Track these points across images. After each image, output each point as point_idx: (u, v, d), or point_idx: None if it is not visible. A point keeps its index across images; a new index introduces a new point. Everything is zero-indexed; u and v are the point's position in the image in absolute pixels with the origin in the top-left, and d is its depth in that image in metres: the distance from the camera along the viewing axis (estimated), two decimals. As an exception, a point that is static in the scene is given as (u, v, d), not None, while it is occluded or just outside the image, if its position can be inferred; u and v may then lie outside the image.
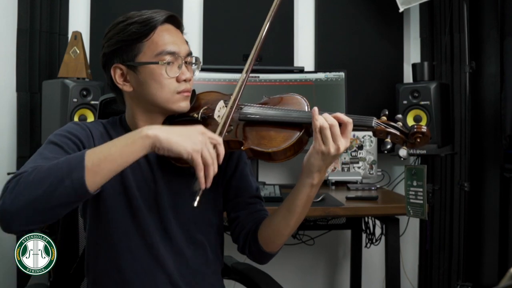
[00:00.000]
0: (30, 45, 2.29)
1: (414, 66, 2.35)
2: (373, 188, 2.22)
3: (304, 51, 2.60)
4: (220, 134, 1.06)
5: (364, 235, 2.41)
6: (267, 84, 2.26)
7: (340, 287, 2.68)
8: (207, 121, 1.14)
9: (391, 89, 2.42)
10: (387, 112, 1.08)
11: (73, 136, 1.08)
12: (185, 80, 1.12)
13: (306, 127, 1.08)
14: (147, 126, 0.97)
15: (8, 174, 2.24)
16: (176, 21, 1.15)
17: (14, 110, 2.32)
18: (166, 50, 1.10)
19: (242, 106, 1.16)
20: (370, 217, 2.31)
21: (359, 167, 2.36)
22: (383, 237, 2.09)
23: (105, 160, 0.92)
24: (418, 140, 1.02)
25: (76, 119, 2.09)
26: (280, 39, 2.56)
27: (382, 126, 1.05)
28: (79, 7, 2.45)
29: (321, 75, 2.29)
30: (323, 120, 1.02)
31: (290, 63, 2.56)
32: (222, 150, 0.99)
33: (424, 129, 1.02)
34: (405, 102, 2.25)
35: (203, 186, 0.96)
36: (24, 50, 2.29)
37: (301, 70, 2.33)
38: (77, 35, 2.19)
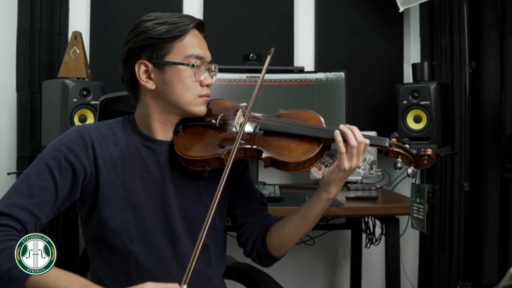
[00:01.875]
0: (30, 45, 2.30)
1: (414, 66, 2.35)
2: (373, 188, 2.22)
3: (304, 51, 2.60)
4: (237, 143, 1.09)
5: (364, 235, 2.41)
6: (267, 84, 2.26)
7: (340, 287, 2.68)
8: (225, 127, 1.18)
9: (391, 89, 2.42)
10: (396, 135, 1.17)
11: (71, 153, 1.08)
12: (207, 85, 1.16)
13: (324, 142, 1.15)
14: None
15: (8, 174, 2.25)
16: (204, 28, 1.19)
17: (14, 110, 2.32)
18: (195, 54, 1.13)
19: (262, 117, 1.20)
20: (370, 217, 2.31)
21: (359, 167, 2.36)
22: (383, 237, 2.09)
23: None
24: (425, 162, 1.14)
25: (76, 119, 2.09)
26: (280, 39, 2.56)
27: (394, 147, 1.15)
28: (79, 7, 2.45)
29: (321, 75, 2.29)
30: (353, 140, 1.10)
31: (290, 63, 2.56)
32: None
33: (429, 151, 1.13)
34: (405, 102, 2.25)
35: None
36: (24, 50, 2.29)
37: (301, 70, 2.33)
38: (77, 35, 2.19)
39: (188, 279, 0.93)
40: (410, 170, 1.15)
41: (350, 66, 2.43)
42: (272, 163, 1.14)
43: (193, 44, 1.13)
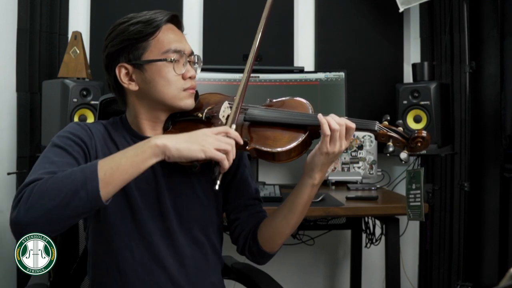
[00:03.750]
0: (30, 45, 2.29)
1: (414, 66, 2.35)
2: (373, 188, 2.22)
3: (304, 51, 2.60)
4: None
5: (364, 235, 2.41)
6: (267, 84, 2.26)
7: (340, 287, 2.68)
8: (212, 121, 1.16)
9: (391, 89, 2.42)
10: (388, 117, 1.13)
11: (76, 137, 1.09)
12: (190, 78, 1.15)
13: (310, 129, 1.12)
14: (156, 135, 1.00)
15: (8, 174, 2.25)
16: (178, 21, 1.18)
17: (14, 110, 2.32)
18: (172, 48, 1.12)
19: (247, 108, 1.18)
20: (370, 217, 2.31)
21: (359, 167, 2.36)
22: (383, 237, 2.09)
23: (117, 170, 0.94)
24: (419, 144, 1.08)
25: (76, 119, 2.09)
26: (280, 39, 2.56)
27: (384, 130, 1.11)
28: (79, 7, 2.45)
29: (321, 75, 2.29)
30: (334, 122, 1.08)
31: (290, 63, 2.56)
32: (234, 133, 1.04)
33: (424, 133, 1.07)
34: (405, 102, 2.25)
35: (225, 170, 1.01)
36: (24, 50, 2.29)
37: (301, 70, 2.33)
38: (77, 35, 2.19)
39: (236, 118, 1.07)
40: (403, 155, 1.09)
41: (350, 66, 2.43)
42: (258, 154, 1.12)
43: (168, 39, 1.13)
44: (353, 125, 1.09)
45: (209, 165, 1.10)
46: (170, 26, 1.15)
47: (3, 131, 2.33)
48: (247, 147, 1.11)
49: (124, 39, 1.11)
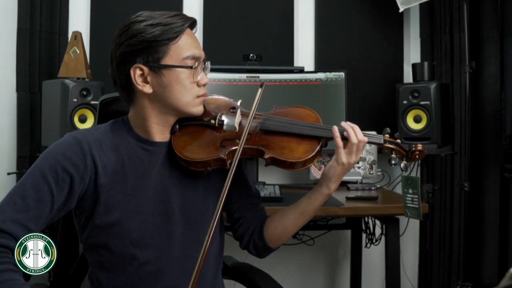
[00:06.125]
0: (30, 45, 2.29)
1: (414, 66, 2.35)
2: (373, 188, 2.22)
3: (304, 51, 2.60)
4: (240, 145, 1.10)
5: (364, 235, 2.41)
6: (267, 84, 2.25)
7: (340, 287, 2.68)
8: (223, 127, 1.17)
9: (391, 89, 2.42)
10: (389, 131, 1.21)
11: (68, 162, 1.06)
12: (204, 85, 1.15)
13: (323, 140, 1.18)
14: None
15: (8, 174, 2.25)
16: (195, 26, 1.17)
17: (14, 110, 2.32)
18: (191, 55, 1.11)
19: (262, 116, 1.20)
20: (370, 217, 2.31)
21: (359, 167, 2.36)
22: (383, 237, 2.09)
23: None
24: (417, 156, 1.19)
25: (76, 119, 2.09)
26: (280, 39, 2.56)
27: (388, 144, 1.20)
28: (79, 7, 2.45)
29: (321, 75, 2.29)
30: (354, 138, 1.15)
31: (290, 63, 2.56)
32: None
33: (420, 147, 1.19)
34: (405, 102, 2.25)
35: None
36: (24, 50, 2.29)
37: (301, 70, 2.33)
38: (77, 35, 2.19)
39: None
40: (403, 164, 1.20)
41: (350, 66, 2.43)
42: (273, 162, 1.15)
43: (188, 45, 1.11)
44: (366, 139, 1.17)
45: (217, 168, 1.13)
46: (188, 31, 1.13)
47: (3, 131, 2.33)
48: (264, 156, 1.14)
49: (143, 40, 1.07)
